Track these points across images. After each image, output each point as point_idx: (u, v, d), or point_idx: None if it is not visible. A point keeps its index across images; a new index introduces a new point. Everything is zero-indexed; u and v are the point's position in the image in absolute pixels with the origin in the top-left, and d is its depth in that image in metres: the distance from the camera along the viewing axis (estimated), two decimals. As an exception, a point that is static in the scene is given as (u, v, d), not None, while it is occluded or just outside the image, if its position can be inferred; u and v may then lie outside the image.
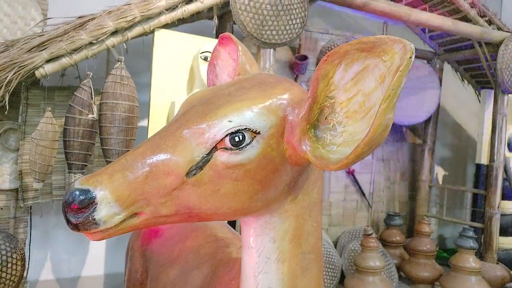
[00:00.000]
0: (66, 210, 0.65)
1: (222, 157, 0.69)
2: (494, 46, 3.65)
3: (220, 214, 0.73)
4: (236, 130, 0.69)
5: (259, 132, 0.70)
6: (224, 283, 1.01)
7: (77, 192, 0.64)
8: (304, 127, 0.69)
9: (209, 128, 0.69)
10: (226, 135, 0.69)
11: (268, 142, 0.70)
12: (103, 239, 0.70)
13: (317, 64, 3.64)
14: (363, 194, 3.99)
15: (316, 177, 0.82)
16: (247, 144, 0.69)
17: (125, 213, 0.67)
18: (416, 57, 4.23)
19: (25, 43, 2.32)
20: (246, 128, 0.69)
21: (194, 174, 0.69)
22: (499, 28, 3.62)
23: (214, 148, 0.69)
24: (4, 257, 2.47)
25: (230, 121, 0.69)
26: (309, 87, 0.68)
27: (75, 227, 0.66)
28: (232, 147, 0.69)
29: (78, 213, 0.65)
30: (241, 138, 0.69)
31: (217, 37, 2.77)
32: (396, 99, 0.59)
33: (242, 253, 0.83)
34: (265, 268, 0.79)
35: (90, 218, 0.65)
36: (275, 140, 0.71)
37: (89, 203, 0.64)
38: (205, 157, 0.69)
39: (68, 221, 0.66)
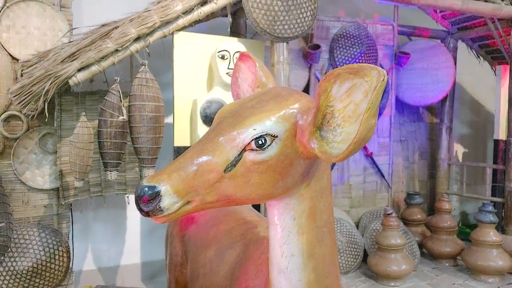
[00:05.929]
0: (139, 202, 0.86)
1: (249, 156, 0.90)
2: (508, 21, 3.66)
3: (250, 199, 0.95)
4: (259, 135, 0.90)
5: (277, 135, 0.91)
6: (255, 258, 1.22)
7: (146, 188, 0.86)
8: (312, 130, 0.89)
9: (239, 135, 0.90)
10: (252, 140, 0.90)
11: (284, 143, 0.91)
12: (166, 222, 0.92)
13: (329, 52, 3.74)
14: (382, 175, 4.08)
15: (325, 167, 1.02)
16: (268, 146, 0.90)
17: (182, 201, 0.89)
18: (429, 37, 4.30)
19: (56, 54, 2.52)
20: (267, 134, 0.90)
21: (229, 170, 0.90)
22: (511, 3, 3.61)
23: (244, 150, 0.90)
24: (51, 250, 2.72)
25: (255, 129, 0.90)
26: (314, 99, 0.90)
27: (147, 214, 0.87)
28: (257, 148, 0.90)
29: (148, 203, 0.86)
30: (263, 141, 0.90)
31: (231, 34, 2.92)
32: (376, 109, 0.80)
33: (269, 229, 1.05)
34: (288, 240, 0.99)
35: (157, 207, 0.86)
36: (289, 140, 0.92)
37: (156, 195, 0.86)
38: (237, 157, 0.90)
39: (141, 210, 0.87)
